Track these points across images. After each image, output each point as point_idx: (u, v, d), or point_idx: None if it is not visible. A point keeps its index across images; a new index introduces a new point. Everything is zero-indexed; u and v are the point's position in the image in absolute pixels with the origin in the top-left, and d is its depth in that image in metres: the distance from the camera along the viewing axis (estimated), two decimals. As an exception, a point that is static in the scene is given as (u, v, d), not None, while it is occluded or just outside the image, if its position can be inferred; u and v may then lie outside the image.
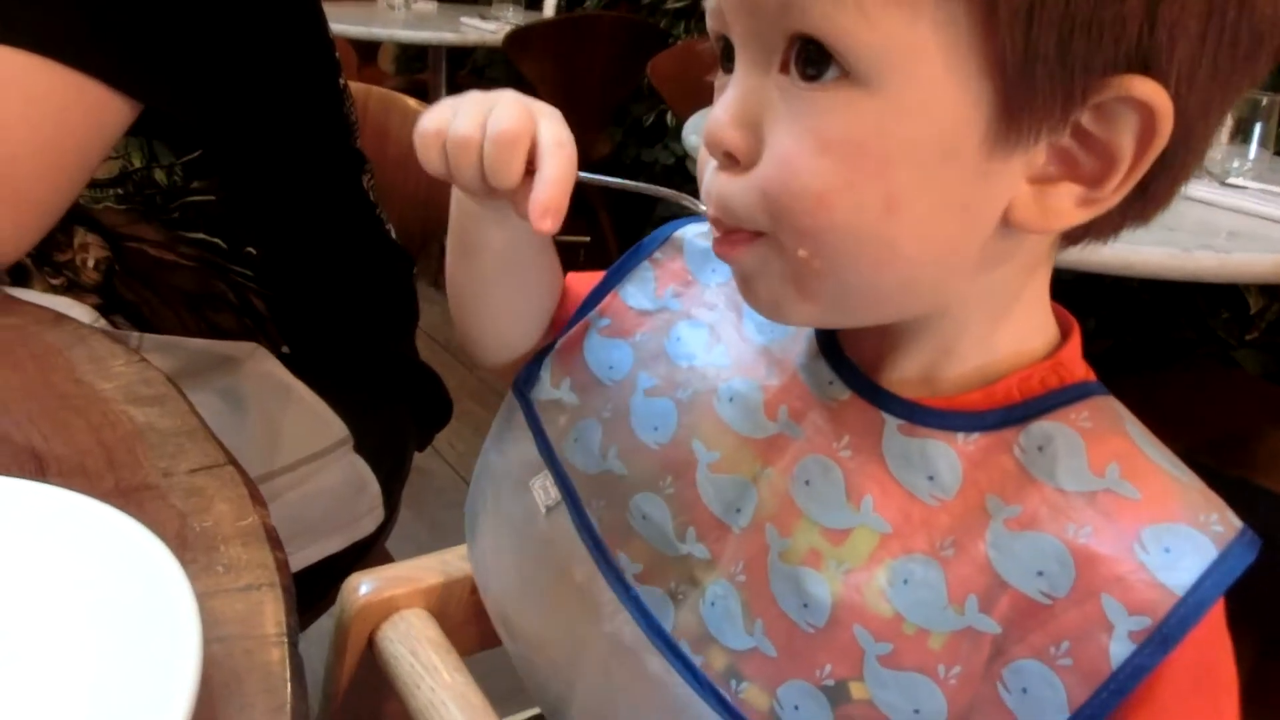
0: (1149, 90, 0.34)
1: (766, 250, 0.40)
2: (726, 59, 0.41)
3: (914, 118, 0.36)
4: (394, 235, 1.13)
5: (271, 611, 0.41)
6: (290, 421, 0.98)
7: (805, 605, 0.43)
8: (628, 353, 0.54)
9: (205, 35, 0.79)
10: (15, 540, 0.42)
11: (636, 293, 0.56)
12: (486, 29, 3.10)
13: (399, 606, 0.59)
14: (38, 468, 0.50)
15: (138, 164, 0.89)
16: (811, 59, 0.36)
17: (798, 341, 0.48)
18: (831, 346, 0.47)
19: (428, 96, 3.35)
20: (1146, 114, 0.35)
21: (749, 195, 0.39)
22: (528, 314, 0.59)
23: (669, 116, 3.37)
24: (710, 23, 0.42)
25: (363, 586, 0.58)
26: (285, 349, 1.02)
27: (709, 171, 0.42)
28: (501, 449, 0.59)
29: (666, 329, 0.54)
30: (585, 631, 0.51)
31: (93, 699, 0.36)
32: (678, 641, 0.47)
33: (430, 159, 0.47)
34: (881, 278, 0.40)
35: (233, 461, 0.52)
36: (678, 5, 3.19)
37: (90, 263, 0.96)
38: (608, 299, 0.57)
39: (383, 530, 1.09)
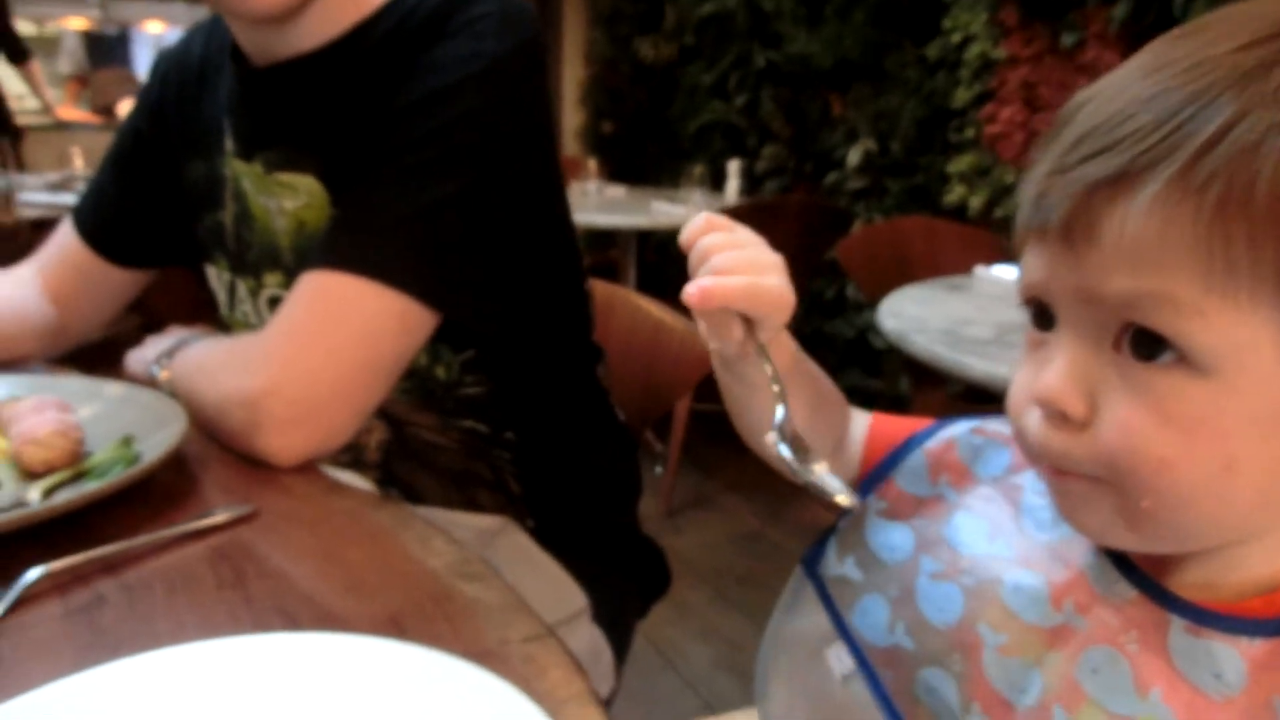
0: None
1: (1103, 493, 0.47)
2: (1042, 319, 0.49)
3: (1249, 398, 0.42)
4: (621, 418, 1.24)
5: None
6: (537, 590, 1.07)
7: None
8: (908, 535, 0.60)
9: (497, 258, 0.94)
10: (406, 697, 0.51)
11: (912, 479, 0.63)
12: (676, 212, 3.31)
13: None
14: (399, 633, 0.60)
15: (423, 363, 1.03)
16: (1145, 343, 0.43)
17: (1080, 541, 0.53)
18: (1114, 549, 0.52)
19: (617, 276, 3.57)
20: None
21: (1087, 452, 0.46)
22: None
23: (848, 290, 3.47)
24: (1027, 291, 0.49)
25: (647, 750, 0.65)
26: (531, 523, 1.13)
27: (1034, 420, 0.49)
28: (792, 620, 0.66)
29: (945, 517, 0.60)
30: None
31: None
32: None
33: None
34: (1214, 524, 0.46)
35: (553, 633, 0.61)
36: (857, 187, 3.34)
37: (373, 443, 1.10)
38: (885, 485, 0.63)
39: (612, 699, 1.15)
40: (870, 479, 0.65)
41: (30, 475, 0.78)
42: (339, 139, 0.97)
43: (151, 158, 1.16)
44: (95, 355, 1.24)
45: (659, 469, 3.06)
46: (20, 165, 3.10)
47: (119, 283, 1.22)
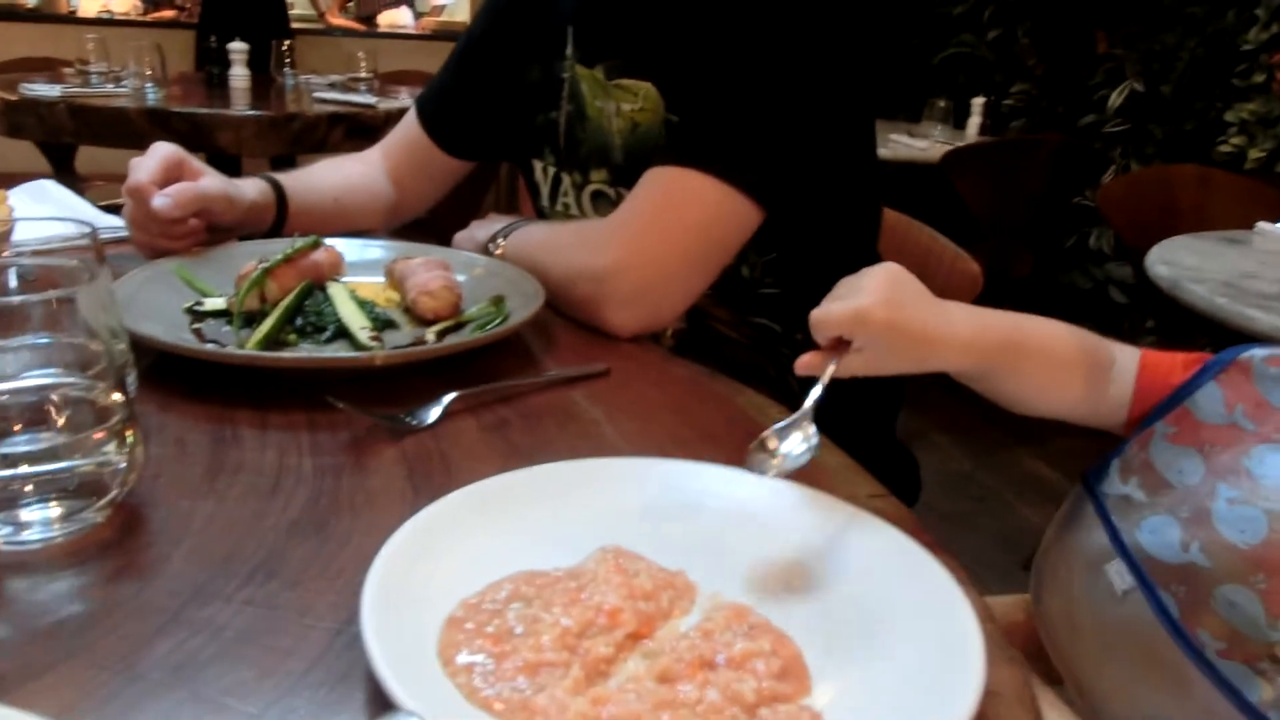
0: None
1: None
2: None
3: None
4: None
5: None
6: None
7: None
8: (1197, 461, 0.64)
9: (820, 167, 1.01)
10: (800, 524, 0.60)
11: (1206, 408, 0.65)
12: (916, 145, 3.28)
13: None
14: (760, 477, 0.69)
15: (730, 261, 1.12)
16: None
17: None
18: None
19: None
20: None
21: None
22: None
23: (1092, 240, 3.35)
24: None
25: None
26: (802, 420, 1.22)
27: None
28: (1072, 532, 0.71)
29: (1242, 445, 0.63)
30: (1169, 700, 0.61)
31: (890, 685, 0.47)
32: (1265, 713, 0.57)
33: None
34: None
35: (891, 493, 0.69)
36: (1116, 130, 3.20)
37: (669, 332, 1.21)
38: (1177, 411, 0.67)
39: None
40: (1161, 407, 0.68)
41: (420, 321, 0.93)
42: (676, 48, 1.06)
43: (491, 59, 1.28)
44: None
45: (876, 399, 3.09)
46: (293, 66, 3.39)
47: (447, 170, 1.36)
